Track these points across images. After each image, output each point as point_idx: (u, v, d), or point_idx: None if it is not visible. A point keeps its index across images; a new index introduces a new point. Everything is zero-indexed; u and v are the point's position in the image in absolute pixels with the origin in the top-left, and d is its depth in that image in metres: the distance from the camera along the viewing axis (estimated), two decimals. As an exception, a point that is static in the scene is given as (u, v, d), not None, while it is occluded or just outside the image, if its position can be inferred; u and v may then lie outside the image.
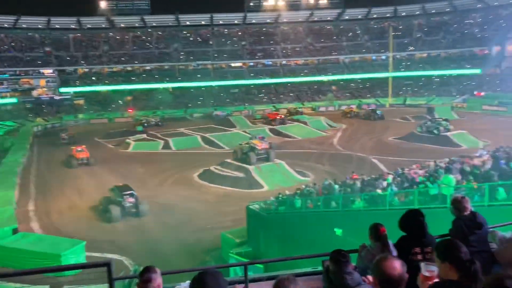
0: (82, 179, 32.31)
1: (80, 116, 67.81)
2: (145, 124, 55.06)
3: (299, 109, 65.12)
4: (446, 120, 41.67)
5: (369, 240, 4.12)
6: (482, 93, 65.54)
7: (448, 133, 38.80)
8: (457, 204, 3.97)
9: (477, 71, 71.75)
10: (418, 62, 79.81)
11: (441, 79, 75.42)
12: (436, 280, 2.67)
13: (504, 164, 15.29)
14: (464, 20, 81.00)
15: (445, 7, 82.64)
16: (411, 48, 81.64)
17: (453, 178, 13.86)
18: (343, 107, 66.48)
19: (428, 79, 76.40)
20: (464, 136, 38.30)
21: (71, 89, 73.21)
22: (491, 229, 4.00)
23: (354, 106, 63.76)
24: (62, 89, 72.83)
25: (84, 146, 38.34)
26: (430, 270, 2.74)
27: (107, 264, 3.86)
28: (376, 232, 4.02)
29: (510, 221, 3.59)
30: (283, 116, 53.72)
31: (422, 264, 2.83)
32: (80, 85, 74.33)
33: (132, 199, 23.46)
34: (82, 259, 17.57)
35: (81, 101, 72.24)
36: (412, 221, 3.75)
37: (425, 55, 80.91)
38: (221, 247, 19.83)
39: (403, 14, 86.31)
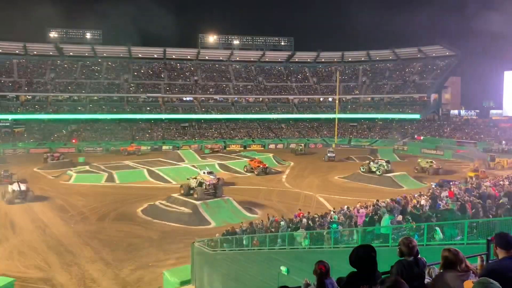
0: (15, 213, 30.20)
1: (19, 144, 64.30)
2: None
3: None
4: (387, 161, 43.38)
5: (314, 275, 4.10)
6: (422, 137, 69.38)
7: (390, 174, 40.39)
8: (406, 249, 3.94)
9: (417, 116, 76.28)
10: (362, 105, 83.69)
11: (384, 122, 79.32)
12: None
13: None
14: (405, 68, 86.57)
15: (389, 55, 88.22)
16: (356, 91, 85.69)
17: (394, 218, 14.33)
18: (292, 145, 68.04)
19: (372, 121, 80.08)
20: (405, 178, 40.00)
21: (10, 116, 69.71)
22: (430, 266, 4.17)
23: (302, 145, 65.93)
24: (0, 116, 69.35)
25: None
26: None
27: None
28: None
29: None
30: (266, 165, 47.56)
31: None
32: (21, 112, 70.96)
33: None
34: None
35: (21, 129, 68.74)
36: (364, 257, 3.57)
37: (369, 99, 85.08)
38: (163, 287, 18.98)
39: (349, 59, 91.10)
